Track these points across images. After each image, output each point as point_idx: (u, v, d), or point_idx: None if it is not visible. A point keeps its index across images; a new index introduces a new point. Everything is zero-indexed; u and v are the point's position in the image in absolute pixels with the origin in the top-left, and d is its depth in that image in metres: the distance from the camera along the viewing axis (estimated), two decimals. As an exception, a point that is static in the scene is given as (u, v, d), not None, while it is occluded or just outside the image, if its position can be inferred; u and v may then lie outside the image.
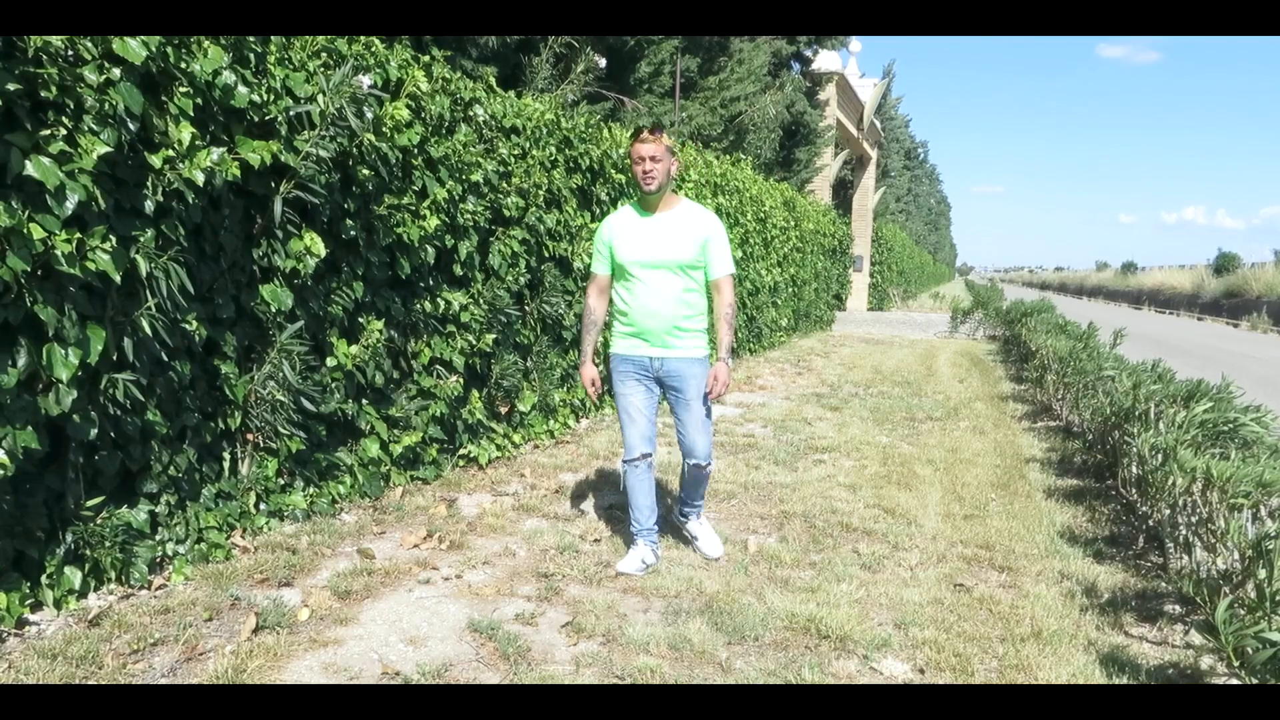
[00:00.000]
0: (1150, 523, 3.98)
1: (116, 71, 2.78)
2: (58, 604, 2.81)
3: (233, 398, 3.47)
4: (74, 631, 2.68)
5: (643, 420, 3.45)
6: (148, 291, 2.99)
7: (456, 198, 4.63)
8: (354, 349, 4.04)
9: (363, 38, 3.98)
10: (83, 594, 2.90)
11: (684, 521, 3.77)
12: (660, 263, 3.33)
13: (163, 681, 2.47)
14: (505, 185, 5.12)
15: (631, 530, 3.54)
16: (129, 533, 3.03)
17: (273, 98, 3.43)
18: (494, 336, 5.05)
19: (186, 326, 3.20)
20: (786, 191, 13.28)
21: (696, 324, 3.45)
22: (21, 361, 2.61)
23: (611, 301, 3.53)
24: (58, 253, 2.62)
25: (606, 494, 4.57)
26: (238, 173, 3.24)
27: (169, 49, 2.97)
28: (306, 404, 3.68)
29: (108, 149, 2.73)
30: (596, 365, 3.48)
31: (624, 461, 3.50)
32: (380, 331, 4.16)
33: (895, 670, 2.76)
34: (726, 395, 7.90)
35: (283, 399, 3.55)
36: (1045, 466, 5.60)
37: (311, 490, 3.92)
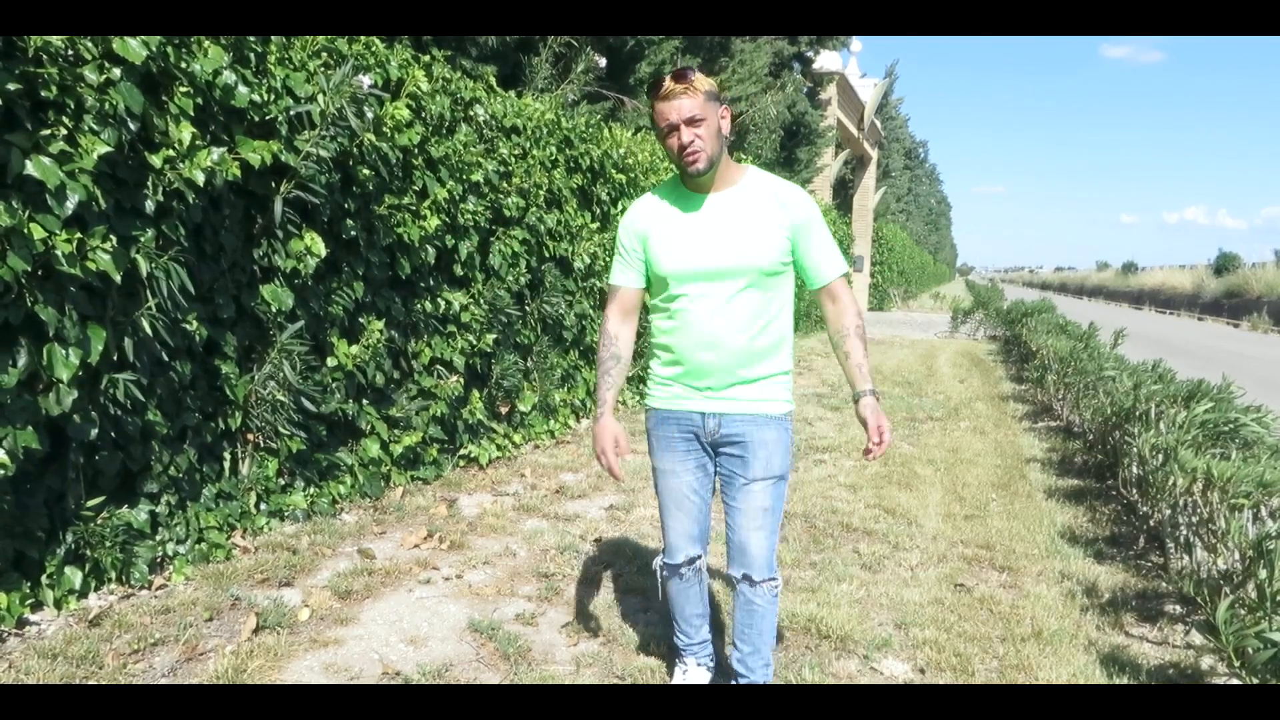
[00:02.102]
0: (1151, 523, 3.98)
1: (117, 71, 2.77)
2: (58, 604, 2.81)
3: (233, 398, 3.47)
4: (74, 631, 2.68)
5: (692, 509, 2.32)
6: (148, 291, 2.99)
7: (457, 198, 4.63)
8: (354, 349, 4.04)
9: (363, 38, 3.98)
10: (83, 594, 2.90)
11: None
12: (724, 270, 2.16)
13: (163, 681, 2.47)
14: (506, 185, 5.12)
15: (676, 644, 2.52)
16: (129, 533, 3.03)
17: (273, 97, 3.43)
18: (494, 336, 5.05)
19: (187, 326, 3.20)
20: (787, 191, 13.27)
21: (775, 362, 2.25)
22: (22, 361, 2.61)
23: (649, 332, 2.36)
24: (58, 253, 2.61)
25: (607, 494, 4.57)
26: (238, 173, 3.24)
27: (169, 49, 2.97)
28: (307, 404, 3.68)
29: (108, 149, 2.73)
30: (619, 419, 2.43)
31: (664, 565, 2.41)
32: (380, 331, 4.16)
33: (896, 670, 2.76)
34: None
35: (283, 399, 3.55)
36: (1046, 467, 5.60)
37: (312, 490, 3.91)
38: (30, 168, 2.54)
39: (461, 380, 4.76)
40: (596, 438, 2.32)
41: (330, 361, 3.93)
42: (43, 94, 2.62)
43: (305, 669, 2.59)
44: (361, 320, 4.12)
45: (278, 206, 3.47)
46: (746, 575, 2.28)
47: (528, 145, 5.37)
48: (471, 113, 4.83)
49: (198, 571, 3.19)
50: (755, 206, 2.19)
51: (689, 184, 2.23)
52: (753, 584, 2.29)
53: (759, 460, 2.22)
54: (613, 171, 6.55)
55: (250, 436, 3.59)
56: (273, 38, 3.47)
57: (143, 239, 2.94)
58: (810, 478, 5.07)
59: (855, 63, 23.57)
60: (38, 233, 2.55)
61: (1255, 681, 2.42)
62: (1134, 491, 4.33)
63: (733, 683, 2.43)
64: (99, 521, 2.93)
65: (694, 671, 2.47)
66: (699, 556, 2.38)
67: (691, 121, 2.08)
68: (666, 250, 2.21)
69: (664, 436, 2.30)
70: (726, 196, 2.21)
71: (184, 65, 3.05)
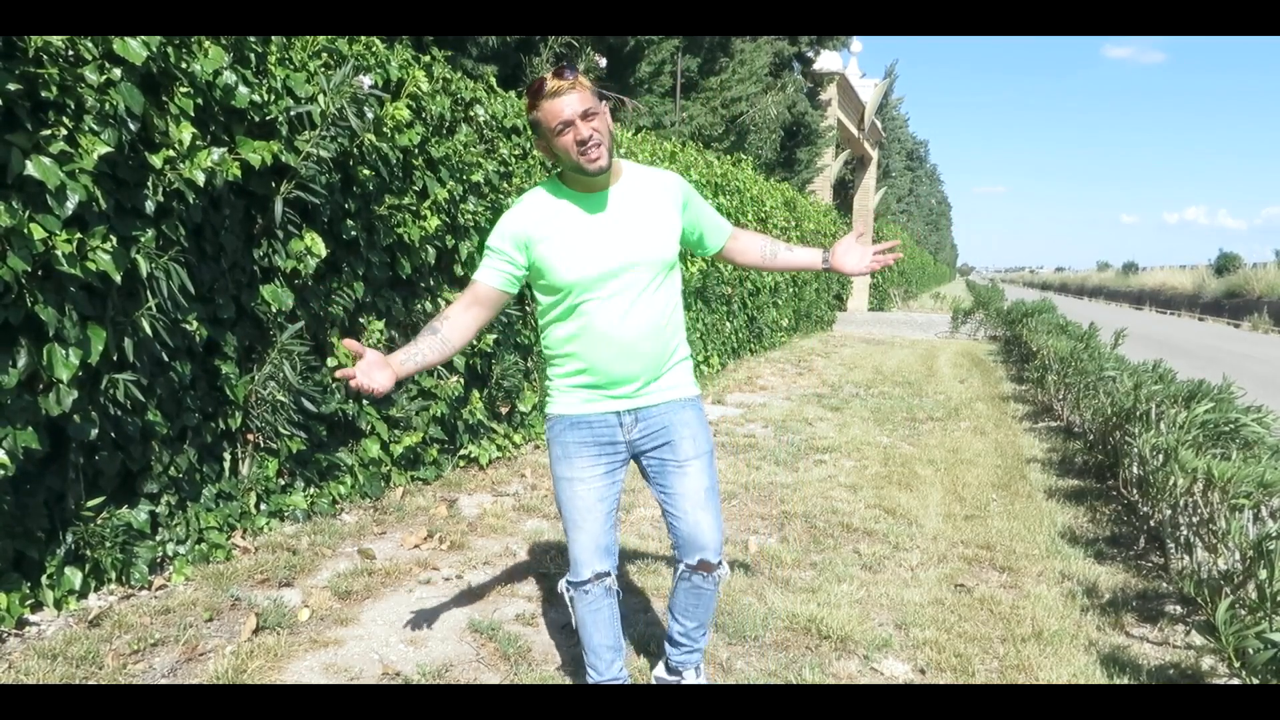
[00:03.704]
0: (1151, 523, 3.98)
1: (117, 72, 2.78)
2: (58, 604, 2.81)
3: (233, 398, 3.47)
4: (74, 632, 2.68)
5: (598, 521, 2.19)
6: (148, 292, 2.99)
7: (457, 198, 4.63)
8: (354, 349, 4.04)
9: (363, 38, 3.98)
10: (83, 594, 2.90)
11: (672, 681, 2.47)
12: (632, 267, 2.09)
13: (163, 682, 2.47)
14: (506, 185, 5.12)
15: (589, 681, 2.34)
16: (129, 533, 3.03)
17: (273, 98, 3.43)
18: (494, 337, 5.04)
19: (187, 327, 3.20)
20: (787, 192, 13.28)
21: (680, 350, 2.24)
22: (22, 362, 2.61)
23: (545, 343, 2.24)
24: (58, 253, 2.62)
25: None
26: (238, 173, 3.24)
27: (169, 49, 2.97)
28: (307, 404, 3.68)
29: (108, 149, 2.73)
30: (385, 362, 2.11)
31: (570, 584, 2.25)
32: (381, 332, 4.16)
33: (896, 670, 2.76)
34: (728, 396, 7.90)
35: (283, 399, 3.55)
36: (1046, 467, 5.60)
37: (312, 490, 3.91)
38: (30, 168, 2.54)
39: (462, 380, 4.76)
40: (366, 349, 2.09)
41: (330, 362, 3.93)
42: (43, 94, 2.62)
43: (305, 669, 2.59)
44: (362, 320, 4.12)
45: (278, 207, 3.47)
46: (704, 561, 2.21)
47: (528, 145, 5.37)
48: (472, 113, 4.83)
49: (198, 572, 3.19)
50: (646, 196, 2.14)
51: (581, 184, 2.09)
52: (710, 569, 2.22)
53: (686, 440, 2.18)
54: (613, 172, 6.55)
55: (250, 437, 3.59)
56: (273, 38, 3.47)
57: (143, 239, 2.94)
58: (810, 478, 5.06)
59: (855, 63, 23.57)
60: (38, 233, 2.55)
61: (1255, 682, 2.42)
62: (1134, 492, 4.33)
63: (671, 653, 2.42)
64: (99, 522, 2.93)
65: None
66: (607, 574, 2.23)
67: (586, 115, 1.98)
68: (571, 256, 2.07)
69: (572, 443, 2.20)
70: (621, 191, 2.12)
71: (184, 65, 3.05)
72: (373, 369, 2.06)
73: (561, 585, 2.29)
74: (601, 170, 2.02)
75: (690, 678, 2.46)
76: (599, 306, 2.08)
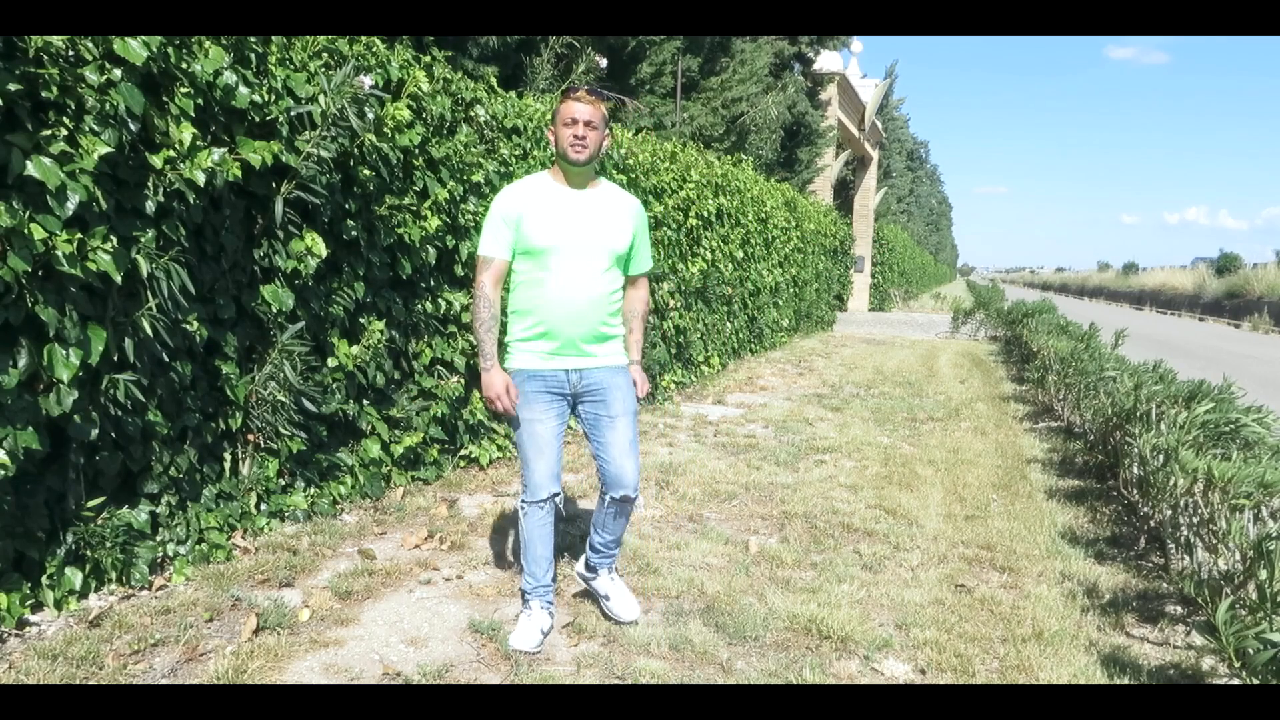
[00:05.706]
0: (1151, 523, 3.98)
1: (117, 72, 2.78)
2: (58, 604, 2.81)
3: (234, 398, 3.47)
4: (74, 632, 2.68)
5: (553, 451, 2.80)
6: (149, 292, 2.99)
7: (458, 198, 4.63)
8: (355, 349, 4.04)
9: (364, 38, 3.98)
10: (83, 594, 2.90)
11: (590, 577, 3.06)
12: (592, 247, 2.72)
13: (163, 682, 2.47)
14: (506, 185, 5.12)
15: (523, 589, 2.89)
16: (130, 533, 3.03)
17: (274, 98, 3.43)
18: (495, 337, 5.05)
19: (187, 327, 3.20)
20: (788, 192, 13.28)
21: (619, 327, 2.90)
22: (22, 362, 2.61)
23: (510, 302, 2.85)
24: (59, 253, 2.62)
25: (607, 494, 4.56)
26: (239, 173, 3.24)
27: (170, 49, 2.97)
28: (307, 404, 3.68)
29: (109, 149, 2.73)
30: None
31: (526, 503, 2.83)
32: (381, 332, 4.16)
33: (896, 671, 2.76)
34: (728, 396, 7.90)
35: (284, 399, 3.55)
36: (1046, 467, 5.60)
37: (312, 491, 3.91)
38: (31, 168, 2.54)
39: (462, 381, 4.77)
40: (491, 385, 2.75)
41: (331, 362, 3.93)
42: (43, 94, 2.62)
43: (305, 669, 2.59)
44: (362, 321, 4.12)
45: (278, 207, 3.47)
46: (625, 497, 2.83)
47: (529, 146, 5.37)
48: (472, 113, 4.83)
49: (198, 572, 3.19)
50: (614, 205, 2.82)
51: (566, 175, 2.77)
52: (629, 502, 2.85)
53: (618, 400, 2.81)
54: (613, 171, 6.55)
55: (251, 437, 3.59)
56: (273, 38, 3.47)
57: (143, 239, 2.94)
58: (811, 478, 5.06)
59: (856, 63, 23.57)
60: (38, 233, 2.55)
61: (1255, 682, 2.42)
62: (1135, 492, 4.33)
63: (591, 556, 2.99)
64: (99, 522, 2.93)
65: (538, 615, 2.84)
66: (558, 494, 2.82)
67: (589, 124, 2.69)
68: (544, 228, 2.70)
69: (530, 392, 2.77)
70: (591, 194, 2.80)
71: (185, 66, 3.05)
72: (512, 387, 2.77)
73: (518, 503, 2.87)
74: (579, 163, 2.70)
75: (603, 573, 3.02)
76: (557, 273, 2.70)
